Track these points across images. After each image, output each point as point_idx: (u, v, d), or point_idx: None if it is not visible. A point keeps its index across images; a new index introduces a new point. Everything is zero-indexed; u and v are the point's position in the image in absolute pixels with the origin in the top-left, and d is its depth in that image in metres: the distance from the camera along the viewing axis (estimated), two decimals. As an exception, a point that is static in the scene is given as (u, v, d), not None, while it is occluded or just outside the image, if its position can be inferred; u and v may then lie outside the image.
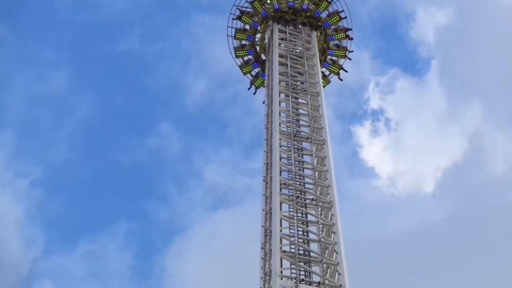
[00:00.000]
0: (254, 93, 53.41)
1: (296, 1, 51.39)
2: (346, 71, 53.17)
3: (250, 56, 53.05)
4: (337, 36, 52.08)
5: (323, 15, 51.73)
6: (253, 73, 53.51)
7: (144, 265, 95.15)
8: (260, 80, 53.10)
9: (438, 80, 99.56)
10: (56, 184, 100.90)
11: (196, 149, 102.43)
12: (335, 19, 51.64)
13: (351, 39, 52.45)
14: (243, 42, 52.83)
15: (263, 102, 47.89)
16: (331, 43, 52.21)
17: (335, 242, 34.04)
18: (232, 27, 52.54)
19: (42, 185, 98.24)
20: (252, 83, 53.58)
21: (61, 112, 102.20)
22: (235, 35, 52.48)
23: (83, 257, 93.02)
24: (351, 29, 52.25)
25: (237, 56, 53.07)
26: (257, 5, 51.75)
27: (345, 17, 51.89)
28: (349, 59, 52.87)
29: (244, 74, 53.61)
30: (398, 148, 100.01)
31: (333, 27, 52.11)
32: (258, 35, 52.70)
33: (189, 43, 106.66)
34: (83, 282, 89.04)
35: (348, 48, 52.54)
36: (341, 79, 53.19)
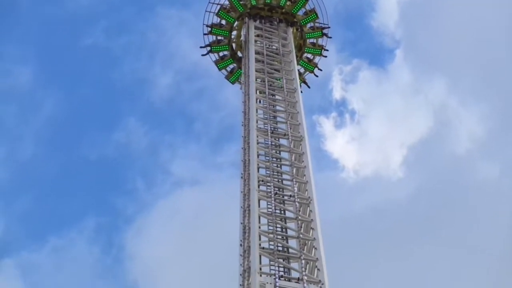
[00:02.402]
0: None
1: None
2: (321, 70, 53.56)
3: (226, 52, 53.18)
4: (313, 35, 52.40)
5: (300, 12, 51.94)
6: (228, 68, 53.70)
7: (110, 256, 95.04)
8: (235, 76, 53.31)
9: (402, 56, 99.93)
10: (23, 181, 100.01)
11: (163, 144, 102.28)
12: (311, 17, 51.90)
13: (330, 37, 52.75)
14: (219, 37, 52.87)
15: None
16: (308, 41, 52.53)
17: (314, 238, 34.43)
18: (207, 25, 52.48)
19: (9, 182, 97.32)
20: (227, 78, 53.76)
21: (27, 107, 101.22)
22: (211, 30, 52.48)
23: (52, 253, 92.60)
24: (328, 27, 52.57)
25: (213, 52, 53.15)
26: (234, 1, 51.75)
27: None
28: (325, 56, 53.26)
29: (220, 69, 53.78)
30: (363, 138, 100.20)
31: (309, 25, 52.43)
32: (234, 32, 52.75)
33: (155, 36, 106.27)
34: (52, 277, 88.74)
35: (324, 46, 52.86)
36: (316, 76, 53.65)
